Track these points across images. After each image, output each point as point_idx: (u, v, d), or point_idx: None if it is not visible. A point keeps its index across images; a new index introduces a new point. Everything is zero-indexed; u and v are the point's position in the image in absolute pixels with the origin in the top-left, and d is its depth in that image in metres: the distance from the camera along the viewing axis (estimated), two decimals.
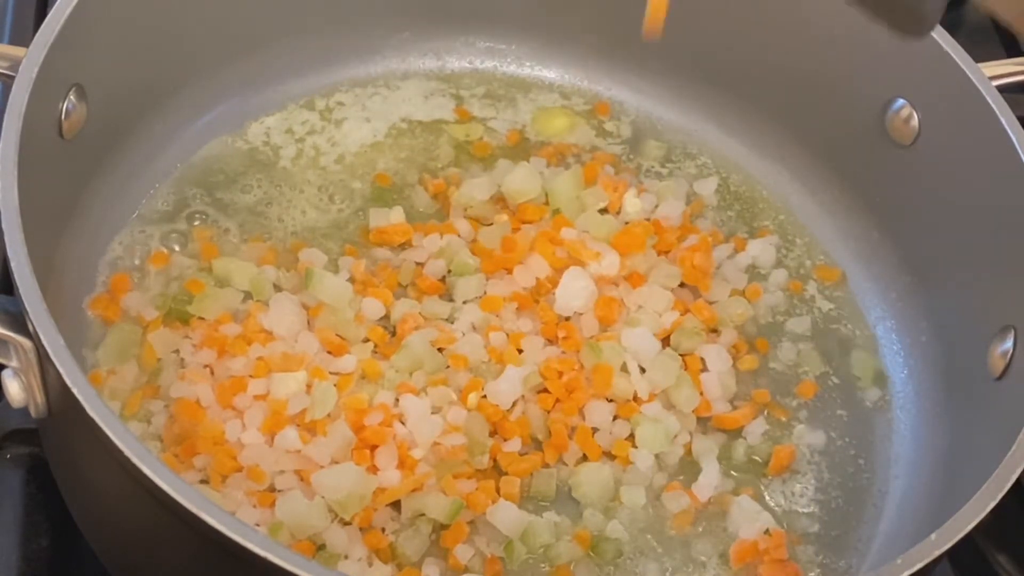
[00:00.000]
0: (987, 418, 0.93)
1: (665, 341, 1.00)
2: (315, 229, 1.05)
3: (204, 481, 0.89)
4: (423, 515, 0.89)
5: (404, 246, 1.04)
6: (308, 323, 0.97)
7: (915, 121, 1.02)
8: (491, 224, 1.05)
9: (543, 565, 0.90)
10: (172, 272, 1.00)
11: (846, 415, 1.02)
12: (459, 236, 1.04)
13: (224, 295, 0.98)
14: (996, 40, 1.35)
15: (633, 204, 1.07)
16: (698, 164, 1.15)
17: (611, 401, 0.97)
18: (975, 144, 0.98)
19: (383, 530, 0.89)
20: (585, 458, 0.95)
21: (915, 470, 0.99)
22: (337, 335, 0.97)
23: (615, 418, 0.96)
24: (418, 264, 1.02)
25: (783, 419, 1.00)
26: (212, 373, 0.94)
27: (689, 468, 0.96)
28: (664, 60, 1.16)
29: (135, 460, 0.70)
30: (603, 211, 1.07)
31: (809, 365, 1.04)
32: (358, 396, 0.93)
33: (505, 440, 0.94)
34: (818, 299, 1.08)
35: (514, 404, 0.95)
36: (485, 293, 1.00)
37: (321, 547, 0.87)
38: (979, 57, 1.00)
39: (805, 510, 0.96)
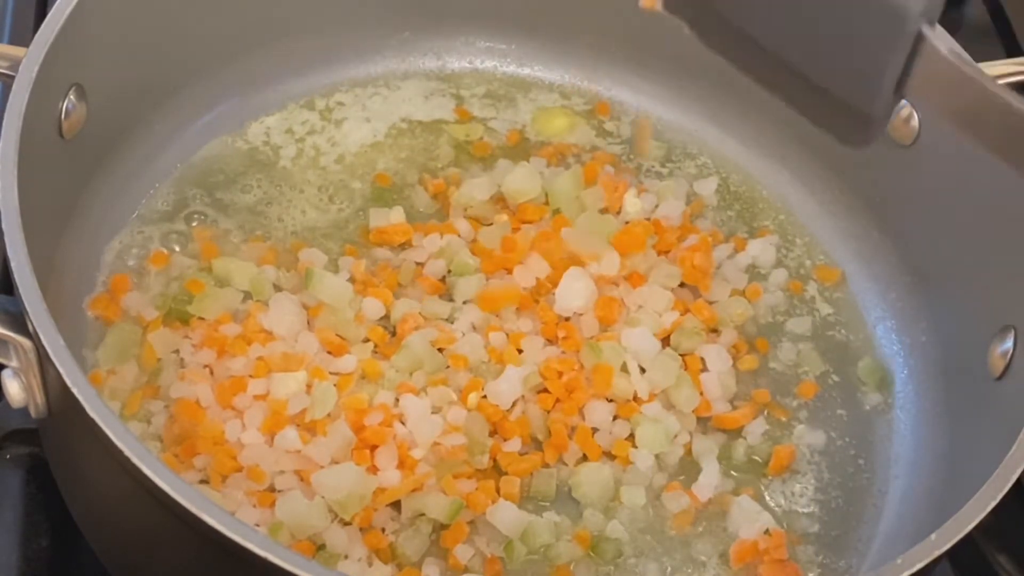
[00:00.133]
0: (987, 418, 0.93)
1: (665, 341, 1.00)
2: (315, 229, 1.05)
3: (204, 481, 0.89)
4: (423, 515, 0.89)
5: (404, 246, 1.04)
6: (308, 323, 0.97)
7: (915, 121, 1.02)
8: (491, 224, 1.05)
9: (544, 565, 0.90)
10: (172, 272, 1.00)
11: (846, 415, 1.02)
12: (459, 236, 1.04)
13: (224, 295, 0.98)
14: (996, 40, 1.35)
15: (633, 204, 1.07)
16: (698, 164, 1.15)
17: (611, 401, 0.97)
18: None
19: (383, 530, 0.89)
20: (585, 458, 0.95)
21: (915, 470, 0.99)
22: (337, 335, 0.97)
23: (615, 418, 0.96)
24: (418, 264, 1.02)
25: (783, 419, 1.00)
26: (212, 373, 0.94)
27: (689, 468, 0.96)
28: (664, 60, 1.16)
29: (135, 460, 0.70)
30: (603, 211, 1.07)
31: (809, 365, 1.04)
32: (358, 396, 0.93)
33: (505, 440, 0.94)
34: (818, 299, 1.08)
35: (514, 404, 0.95)
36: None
37: (321, 547, 0.87)
38: (979, 57, 1.00)
39: (805, 510, 0.96)
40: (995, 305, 0.95)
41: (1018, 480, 0.80)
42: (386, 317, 0.99)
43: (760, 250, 1.09)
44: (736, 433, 0.98)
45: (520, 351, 0.98)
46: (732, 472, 0.97)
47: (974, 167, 0.98)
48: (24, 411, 0.83)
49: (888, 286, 1.08)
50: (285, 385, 0.92)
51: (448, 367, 0.96)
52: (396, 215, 1.05)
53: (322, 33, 1.13)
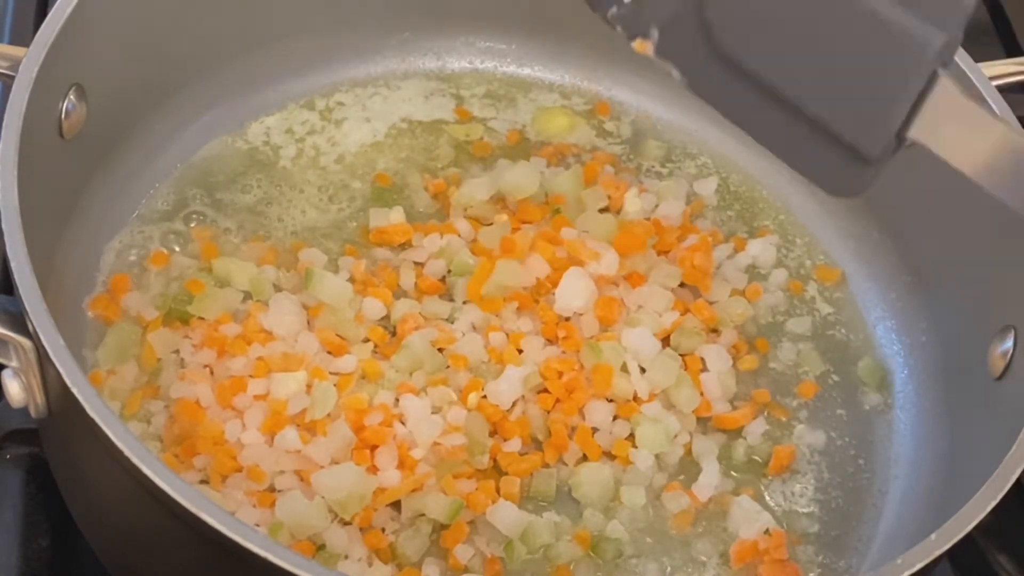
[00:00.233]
0: (987, 418, 0.93)
1: (665, 341, 1.00)
2: (315, 229, 1.05)
3: (204, 481, 0.89)
4: (423, 515, 0.89)
5: (404, 246, 1.04)
6: (308, 323, 0.97)
7: None
8: (491, 224, 1.05)
9: (544, 565, 0.90)
10: (172, 272, 1.00)
11: (846, 415, 1.02)
12: (459, 236, 1.04)
13: (224, 295, 0.98)
14: (996, 40, 1.35)
15: (633, 204, 1.07)
16: (698, 164, 1.15)
17: (611, 401, 0.97)
18: None
19: (383, 530, 0.89)
20: (585, 458, 0.95)
21: (915, 470, 0.99)
22: (337, 335, 0.97)
23: (615, 418, 0.96)
24: (418, 264, 1.02)
25: (783, 419, 1.00)
26: (212, 373, 0.94)
27: (689, 468, 0.96)
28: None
29: (135, 460, 0.70)
30: (603, 211, 1.07)
31: (809, 365, 1.04)
32: (358, 396, 0.93)
33: (505, 440, 0.94)
34: (818, 299, 1.08)
35: (514, 404, 0.95)
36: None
37: (321, 547, 0.87)
38: (979, 57, 1.00)
39: (805, 510, 0.96)
40: (995, 305, 0.95)
41: (1018, 480, 0.80)
42: (386, 317, 0.99)
43: (760, 250, 1.09)
44: (736, 433, 0.98)
45: (520, 351, 0.98)
46: (732, 472, 0.97)
47: None
48: (24, 411, 0.83)
49: (888, 286, 1.08)
50: (285, 385, 0.92)
51: (448, 367, 0.96)
52: (396, 215, 1.05)
53: (322, 33, 1.13)
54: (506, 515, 0.89)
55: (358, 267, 1.01)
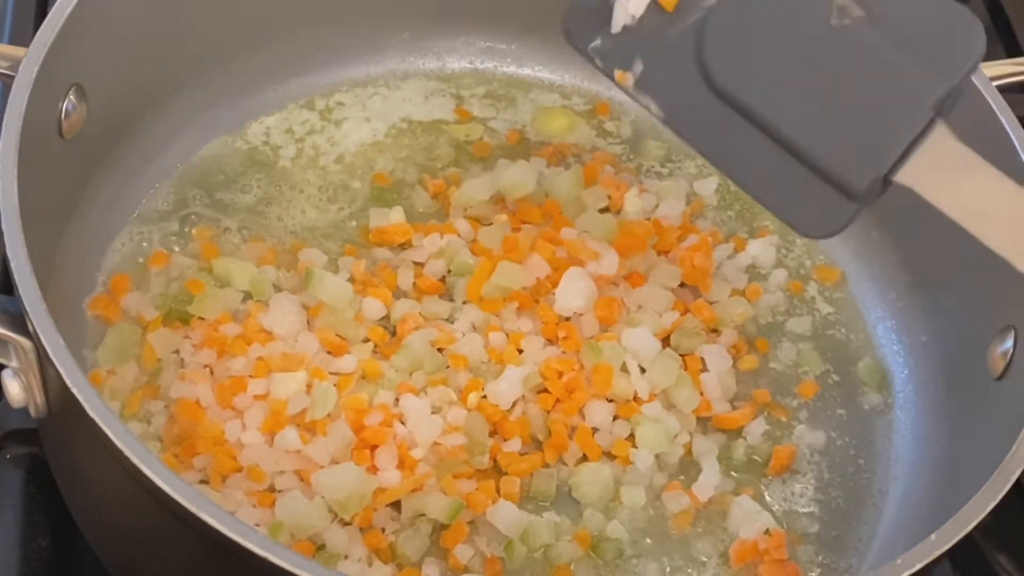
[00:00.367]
0: (987, 418, 0.93)
1: (665, 341, 1.00)
2: (315, 229, 1.05)
3: (204, 481, 0.89)
4: (423, 515, 0.89)
5: (404, 246, 1.04)
6: (308, 323, 0.97)
7: None
8: (491, 224, 1.05)
9: (544, 565, 0.90)
10: (172, 272, 1.00)
11: (846, 415, 1.02)
12: (459, 236, 1.04)
13: (224, 295, 0.98)
14: (996, 40, 1.35)
15: (633, 204, 1.07)
16: (698, 164, 1.15)
17: (611, 401, 0.97)
18: (975, 144, 0.97)
19: (383, 530, 0.89)
20: (585, 458, 0.95)
21: (915, 470, 0.99)
22: (337, 335, 0.97)
23: (615, 418, 0.96)
24: (418, 264, 1.02)
25: (783, 419, 1.00)
26: (212, 373, 0.94)
27: (689, 468, 0.96)
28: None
29: (135, 460, 0.70)
30: (603, 211, 1.07)
31: (809, 365, 1.04)
32: (358, 396, 0.93)
33: (505, 440, 0.94)
34: (818, 299, 1.08)
35: (514, 404, 0.95)
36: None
37: (321, 547, 0.87)
38: None
39: (805, 510, 0.96)
40: (995, 305, 0.95)
41: (1018, 480, 0.80)
42: (386, 317, 0.99)
43: (760, 250, 1.09)
44: (736, 433, 0.98)
45: (520, 351, 0.98)
46: (732, 472, 0.97)
47: None
48: (24, 411, 0.83)
49: (888, 286, 1.08)
50: (285, 385, 0.92)
51: (448, 367, 0.96)
52: (396, 215, 1.05)
53: (322, 33, 1.13)
54: (506, 515, 0.89)
55: (358, 267, 1.01)
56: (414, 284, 1.01)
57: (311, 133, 1.11)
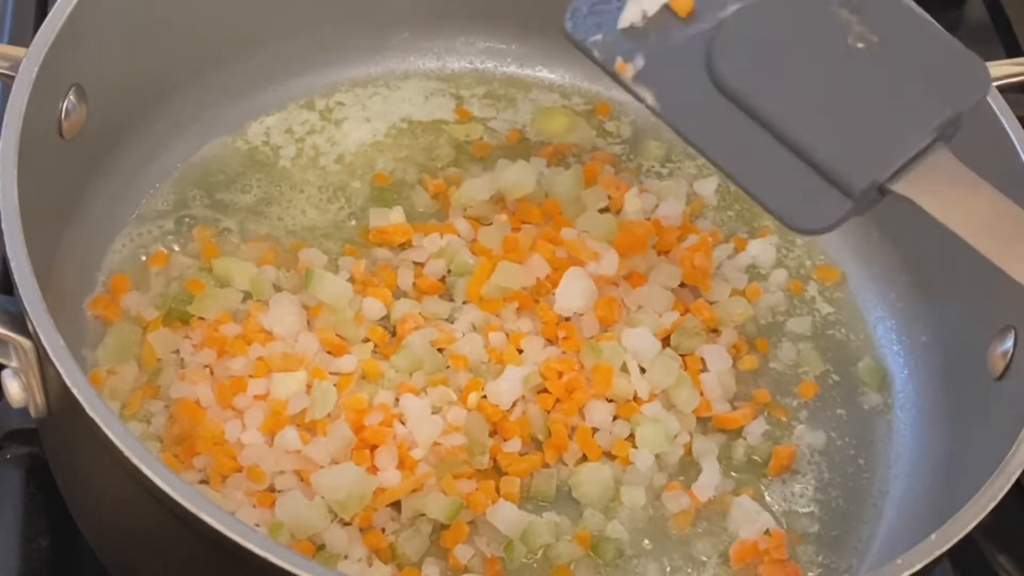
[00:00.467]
0: (987, 418, 0.93)
1: (665, 341, 1.00)
2: (315, 229, 1.05)
3: (204, 481, 0.89)
4: (423, 515, 0.89)
5: (404, 246, 1.04)
6: (308, 323, 0.97)
7: None
8: (491, 224, 1.05)
9: (544, 565, 0.90)
10: (172, 272, 1.00)
11: (846, 415, 1.02)
12: (459, 236, 1.04)
13: (224, 295, 0.98)
14: (996, 40, 1.35)
15: (633, 204, 1.07)
16: (698, 164, 1.15)
17: (611, 401, 0.97)
18: (975, 144, 0.97)
19: (383, 530, 0.89)
20: (585, 458, 0.95)
21: (915, 470, 0.99)
22: (337, 335, 0.97)
23: (615, 418, 0.96)
24: (418, 264, 1.02)
25: (783, 419, 1.00)
26: (212, 373, 0.94)
27: (689, 468, 0.96)
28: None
29: (135, 460, 0.70)
30: (603, 211, 1.07)
31: (809, 365, 1.04)
32: (358, 396, 0.93)
33: (505, 440, 0.94)
34: (818, 299, 1.08)
35: (514, 404, 0.95)
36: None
37: (321, 547, 0.87)
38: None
39: (805, 510, 0.96)
40: (995, 305, 0.95)
41: (1018, 480, 0.80)
42: (386, 317, 0.99)
43: (760, 250, 1.09)
44: (736, 433, 0.98)
45: (520, 351, 0.98)
46: (732, 472, 0.97)
47: (974, 167, 0.98)
48: (24, 411, 0.83)
49: (888, 286, 1.08)
50: (285, 385, 0.92)
51: (448, 367, 0.96)
52: (396, 215, 1.05)
53: (322, 33, 1.13)
54: (506, 515, 0.89)
55: (358, 267, 1.01)
56: (414, 284, 1.01)
57: (311, 133, 1.11)
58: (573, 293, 1.00)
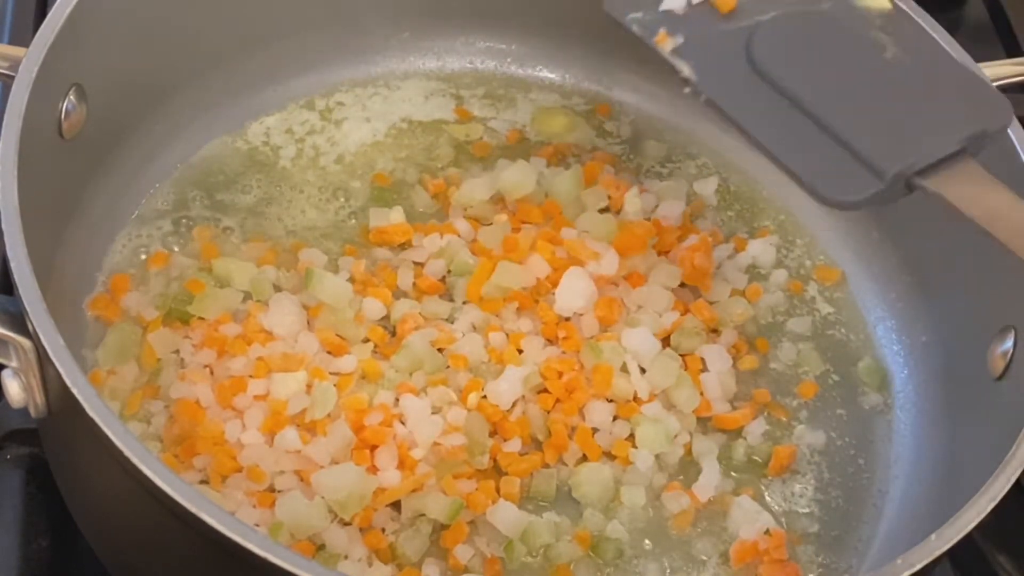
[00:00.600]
0: (987, 418, 0.93)
1: (665, 341, 1.00)
2: (315, 229, 1.05)
3: (204, 481, 0.89)
4: (423, 515, 0.89)
5: (404, 246, 1.04)
6: (308, 323, 0.97)
7: None
8: (491, 224, 1.05)
9: (544, 565, 0.90)
10: (172, 272, 1.00)
11: (846, 415, 1.02)
12: (459, 236, 1.04)
13: (224, 295, 0.98)
14: (996, 40, 1.35)
15: (633, 204, 1.07)
16: (698, 164, 1.15)
17: (611, 401, 0.97)
18: None
19: (383, 530, 0.89)
20: (585, 458, 0.95)
21: (915, 470, 0.99)
22: (337, 335, 0.97)
23: (615, 418, 0.96)
24: (418, 264, 1.02)
25: (783, 419, 1.00)
26: (212, 373, 0.94)
27: (689, 468, 0.96)
28: (664, 60, 1.16)
29: (135, 460, 0.70)
30: (603, 211, 1.07)
31: (809, 365, 1.04)
32: (358, 396, 0.93)
33: (505, 440, 0.94)
34: (818, 299, 1.08)
35: (514, 404, 0.95)
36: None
37: (321, 547, 0.87)
38: (979, 57, 1.00)
39: (805, 510, 0.96)
40: (995, 305, 0.95)
41: (1018, 480, 0.80)
42: (386, 317, 0.99)
43: (760, 250, 1.09)
44: (736, 433, 0.98)
45: (520, 351, 0.98)
46: (732, 472, 0.97)
47: None
48: (24, 411, 0.82)
49: (888, 286, 1.08)
50: (285, 385, 0.92)
51: (448, 367, 0.96)
52: (396, 215, 1.05)
53: (322, 33, 1.13)
54: (506, 515, 0.89)
55: (358, 267, 1.01)
56: (414, 284, 1.01)
57: (311, 133, 1.11)
58: (573, 293, 1.00)
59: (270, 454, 0.89)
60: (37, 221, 0.80)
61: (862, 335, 1.07)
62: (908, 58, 0.82)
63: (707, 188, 1.13)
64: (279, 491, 0.88)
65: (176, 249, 1.02)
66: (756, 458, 0.97)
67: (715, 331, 1.03)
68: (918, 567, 0.75)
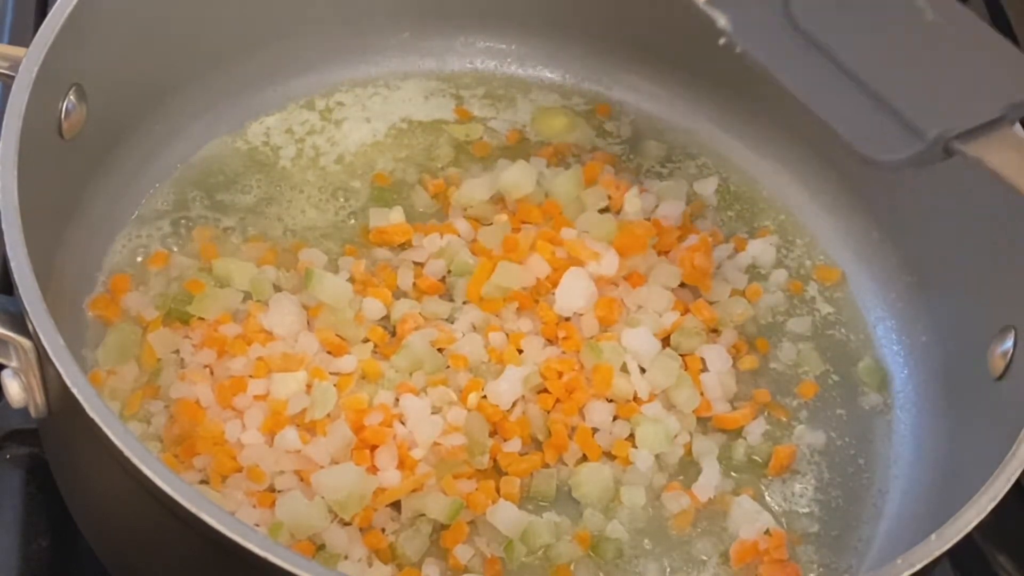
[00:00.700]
0: (987, 418, 0.93)
1: (665, 341, 1.00)
2: (315, 229, 1.05)
3: (204, 481, 0.89)
4: (423, 515, 0.89)
5: (404, 246, 1.04)
6: (308, 323, 0.97)
7: None
8: (491, 224, 1.05)
9: (544, 565, 0.90)
10: (172, 272, 1.00)
11: (846, 415, 1.02)
12: (459, 236, 1.04)
13: (224, 295, 0.98)
14: None
15: (633, 204, 1.07)
16: (698, 164, 1.15)
17: (611, 401, 0.97)
18: None
19: (383, 530, 0.89)
20: (585, 458, 0.95)
21: (915, 470, 0.99)
22: (337, 335, 0.97)
23: (615, 418, 0.96)
24: (418, 264, 1.02)
25: (783, 419, 1.00)
26: (212, 373, 0.94)
27: (689, 468, 0.96)
28: (664, 60, 1.16)
29: (135, 460, 0.70)
30: (603, 211, 1.07)
31: (809, 365, 1.04)
32: (358, 396, 0.93)
33: (505, 440, 0.94)
34: (818, 299, 1.08)
35: (514, 404, 0.95)
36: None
37: (321, 547, 0.87)
38: None
39: (805, 510, 0.96)
40: (995, 305, 0.95)
41: (1018, 480, 0.80)
42: (386, 317, 0.99)
43: (760, 250, 1.09)
44: (736, 433, 0.98)
45: (520, 351, 0.98)
46: (732, 472, 0.97)
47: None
48: (24, 411, 0.83)
49: (888, 286, 1.08)
50: (285, 385, 0.92)
51: (448, 367, 0.96)
52: (396, 215, 1.05)
53: (322, 33, 1.13)
54: (506, 515, 0.89)
55: (358, 267, 1.01)
56: (414, 284, 1.01)
57: (311, 133, 1.11)
58: (573, 293, 1.00)
59: (270, 454, 0.89)
60: (37, 221, 0.80)
61: (862, 335, 1.07)
62: (947, 23, 0.81)
63: (707, 188, 1.13)
64: (279, 491, 0.88)
65: (176, 249, 1.02)
66: (756, 458, 0.97)
67: (715, 331, 1.03)
68: (918, 567, 0.75)
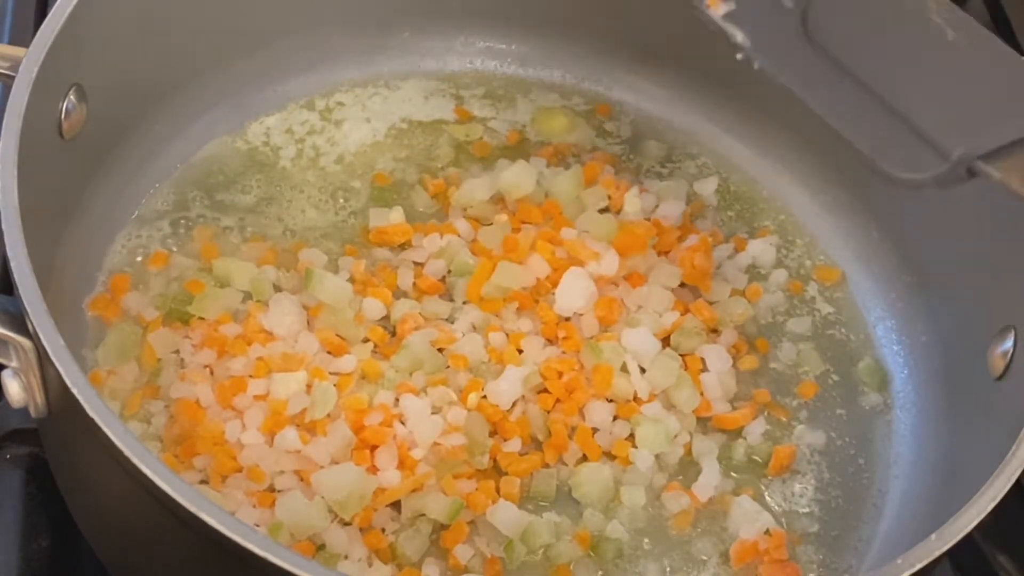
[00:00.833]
0: (987, 418, 0.93)
1: (665, 341, 1.00)
2: (315, 229, 1.05)
3: (204, 481, 0.89)
4: (423, 515, 0.89)
5: (404, 246, 1.04)
6: (308, 323, 0.97)
7: None
8: (491, 224, 1.05)
9: (544, 565, 0.90)
10: (172, 272, 1.00)
11: (846, 415, 1.02)
12: (459, 236, 1.04)
13: (224, 295, 0.98)
14: None
15: (633, 204, 1.07)
16: (698, 164, 1.15)
17: (611, 401, 0.97)
18: None
19: (383, 530, 0.89)
20: (585, 458, 0.95)
21: (915, 470, 0.99)
22: (337, 335, 0.97)
23: (615, 418, 0.96)
24: (418, 264, 1.02)
25: (783, 419, 1.00)
26: (212, 373, 0.94)
27: (689, 468, 0.96)
28: (664, 60, 1.16)
29: (135, 460, 0.70)
30: (603, 211, 1.07)
31: (809, 365, 1.04)
32: (358, 396, 0.93)
33: (505, 440, 0.94)
34: (818, 299, 1.08)
35: (514, 404, 0.95)
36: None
37: (321, 547, 0.87)
38: None
39: (805, 510, 0.96)
40: (995, 305, 0.95)
41: (1018, 480, 0.80)
42: (386, 317, 0.99)
43: (760, 250, 1.09)
44: (736, 433, 0.98)
45: (520, 351, 0.98)
46: (732, 472, 0.97)
47: None
48: (24, 411, 0.83)
49: (888, 286, 1.08)
50: (285, 385, 0.92)
51: (448, 367, 0.96)
52: (396, 215, 1.05)
53: (322, 33, 1.13)
54: (506, 515, 0.89)
55: (358, 267, 1.01)
56: (414, 284, 1.01)
57: (311, 133, 1.11)
58: (573, 293, 1.00)
59: (270, 454, 0.89)
60: (37, 221, 0.80)
61: (862, 335, 1.07)
62: (968, 43, 0.81)
63: (707, 188, 1.13)
64: (279, 491, 0.88)
65: (176, 249, 1.02)
66: (756, 458, 0.97)
67: (715, 331, 1.03)
68: (918, 567, 0.75)
